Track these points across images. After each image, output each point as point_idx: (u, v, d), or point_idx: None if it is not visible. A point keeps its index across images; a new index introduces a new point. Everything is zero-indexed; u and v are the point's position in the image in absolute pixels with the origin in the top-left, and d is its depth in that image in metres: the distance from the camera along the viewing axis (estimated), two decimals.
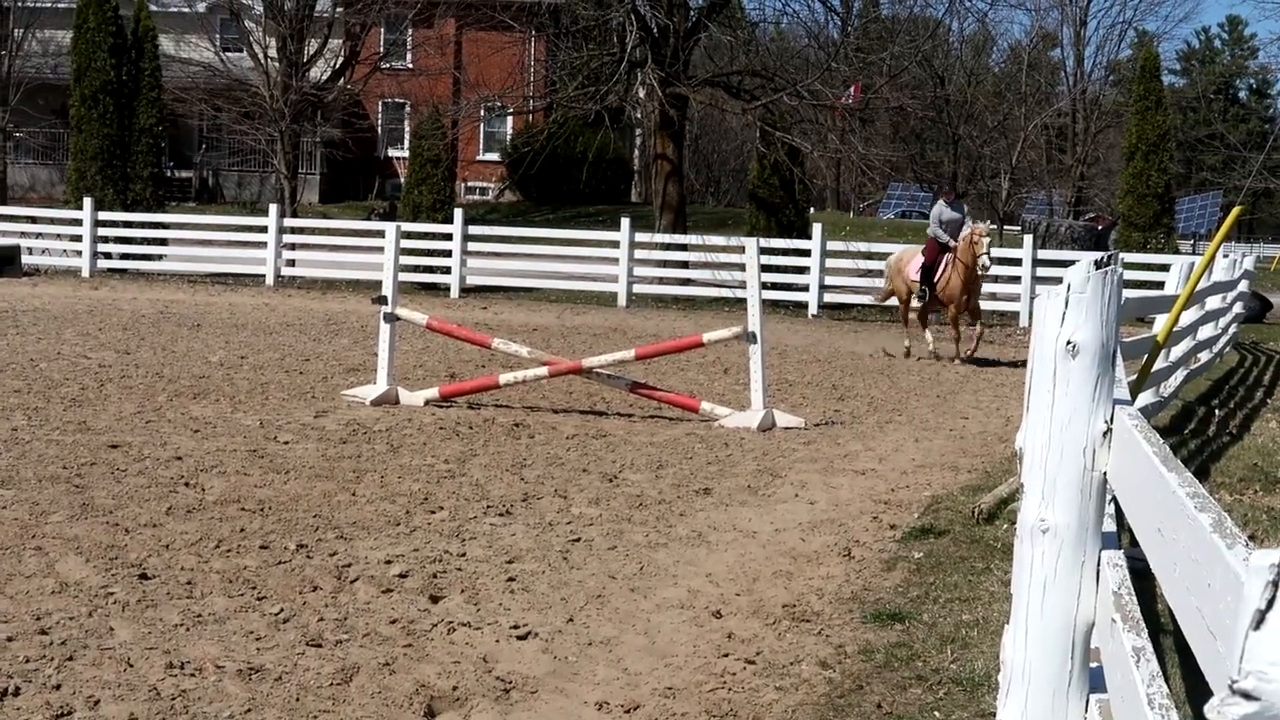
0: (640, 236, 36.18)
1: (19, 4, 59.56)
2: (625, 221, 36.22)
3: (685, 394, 17.07)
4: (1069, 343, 4.25)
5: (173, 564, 9.00)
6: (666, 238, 38.04)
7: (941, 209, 25.09)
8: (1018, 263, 34.19)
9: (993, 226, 25.27)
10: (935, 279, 24.11)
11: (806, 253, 34.75)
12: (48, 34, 59.36)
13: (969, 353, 24.44)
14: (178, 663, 7.15)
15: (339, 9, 53.57)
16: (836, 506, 11.79)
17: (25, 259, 37.19)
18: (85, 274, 37.18)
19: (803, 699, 7.04)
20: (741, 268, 18.23)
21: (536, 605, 8.47)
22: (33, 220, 40.67)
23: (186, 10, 59.28)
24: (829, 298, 34.65)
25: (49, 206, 44.97)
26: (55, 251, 38.87)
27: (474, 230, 36.81)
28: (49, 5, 59.25)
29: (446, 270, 35.88)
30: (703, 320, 27.96)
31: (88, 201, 38.74)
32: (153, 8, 48.85)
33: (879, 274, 35.14)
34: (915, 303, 25.07)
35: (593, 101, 43.63)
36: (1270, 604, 1.34)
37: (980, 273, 23.79)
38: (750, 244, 17.24)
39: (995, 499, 11.14)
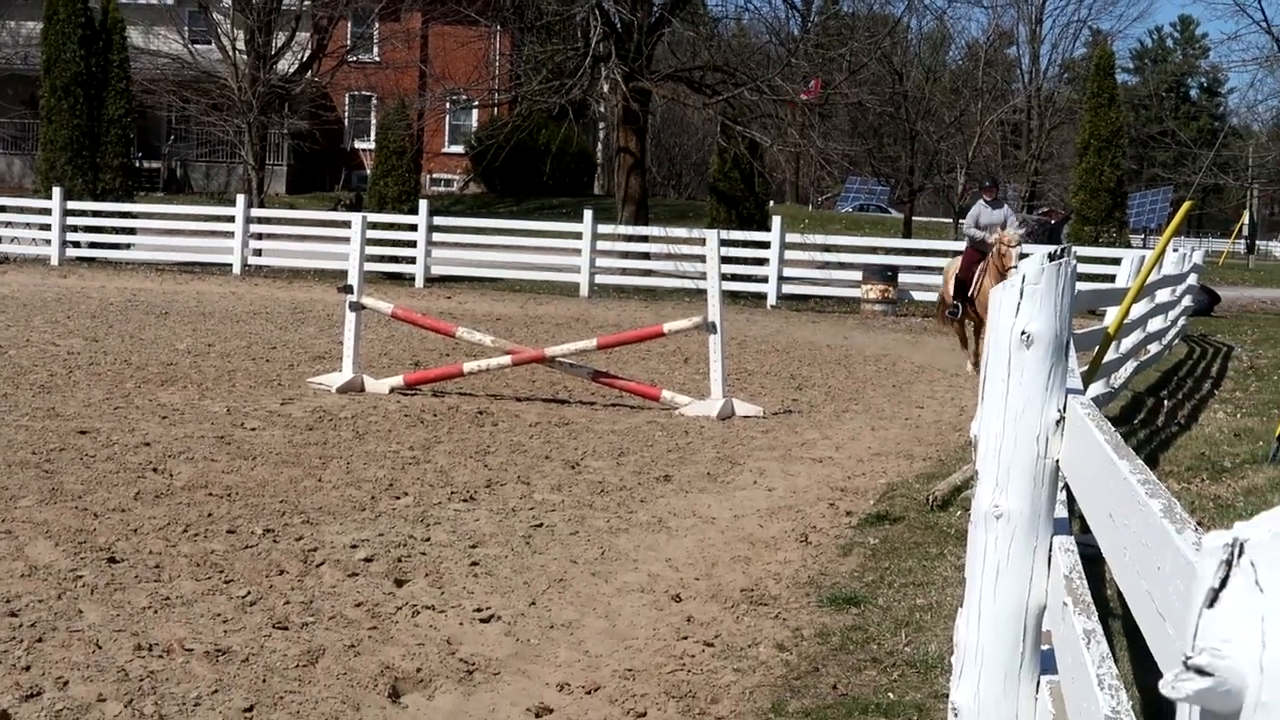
0: (603, 228, 36.21)
1: None
2: (588, 213, 36.23)
3: (646, 383, 17.09)
4: (1023, 333, 4.27)
5: (141, 548, 8.99)
6: (629, 229, 38.10)
7: (980, 209, 21.35)
8: None
9: (1022, 231, 21.11)
10: (970, 292, 20.48)
11: (766, 245, 34.74)
12: (17, 24, 59.04)
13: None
14: (146, 644, 7.15)
15: (306, 2, 53.34)
16: (794, 493, 11.83)
17: None
18: (54, 262, 37.02)
19: (760, 680, 7.07)
20: (702, 259, 18.31)
21: (499, 589, 8.49)
22: (2, 209, 40.46)
23: (155, 2, 58.99)
24: (788, 289, 34.65)
25: (18, 196, 44.69)
26: (24, 240, 38.70)
27: (439, 221, 36.77)
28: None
29: (411, 260, 35.85)
30: (664, 310, 27.95)
31: (57, 191, 38.60)
32: (121, 1, 48.72)
33: (836, 266, 35.31)
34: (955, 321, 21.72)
35: (557, 95, 43.61)
36: (1224, 583, 1.36)
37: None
38: (711, 236, 17.25)
39: (949, 486, 11.19)
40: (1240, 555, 1.36)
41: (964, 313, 20.68)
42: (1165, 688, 1.40)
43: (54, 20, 43.99)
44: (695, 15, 47.86)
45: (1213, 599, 1.37)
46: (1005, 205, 21.15)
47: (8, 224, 39.10)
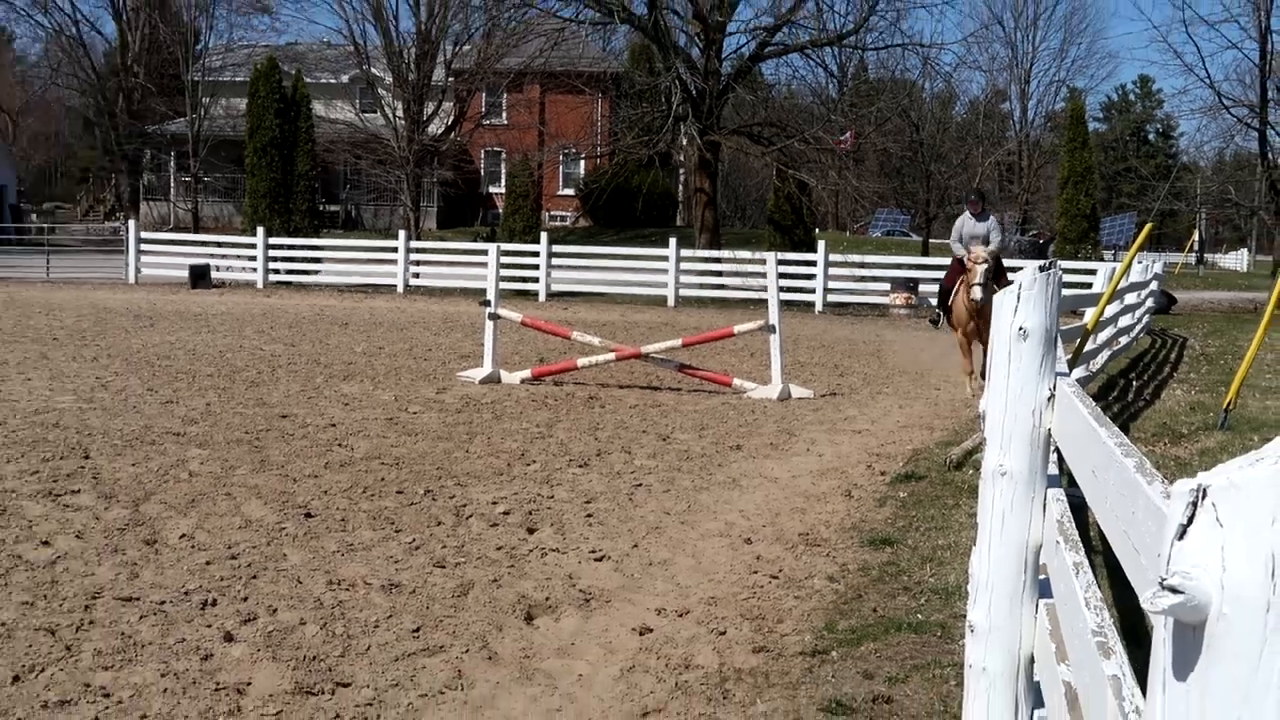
0: (684, 252, 36.11)
1: (206, 79, 59.98)
2: (672, 241, 36.25)
3: (721, 373, 17.06)
4: (1021, 328, 4.26)
5: (330, 505, 9.09)
6: (704, 253, 37.97)
7: (964, 221, 17.12)
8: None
9: (992, 248, 16.26)
10: (949, 303, 16.92)
11: (813, 263, 34.54)
12: (228, 101, 59.68)
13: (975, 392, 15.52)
14: (336, 580, 7.24)
15: (451, 79, 53.64)
16: (839, 458, 11.79)
17: (214, 274, 37.49)
18: (259, 285, 37.40)
19: (815, 605, 7.06)
20: (763, 275, 18.21)
21: (609, 535, 8.52)
22: (219, 245, 40.97)
23: (333, 81, 59.50)
24: (831, 298, 34.47)
25: (230, 234, 45.25)
26: (236, 269, 39.12)
27: (556, 249, 36.80)
28: (229, 79, 59.59)
29: (535, 280, 35.88)
30: (733, 316, 27.86)
31: (260, 230, 38.98)
32: (307, 79, 49.16)
33: (869, 279, 35.10)
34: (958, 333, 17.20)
35: (646, 148, 43.75)
36: (1190, 520, 1.35)
37: (968, 304, 15.74)
38: (770, 257, 17.20)
39: (963, 451, 11.12)
40: (1204, 498, 1.35)
41: (948, 322, 17.20)
42: (1146, 604, 1.40)
43: (256, 97, 44.55)
44: (754, 82, 47.75)
45: (1181, 533, 1.37)
46: (990, 218, 17.16)
47: (224, 256, 39.56)
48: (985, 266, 15.51)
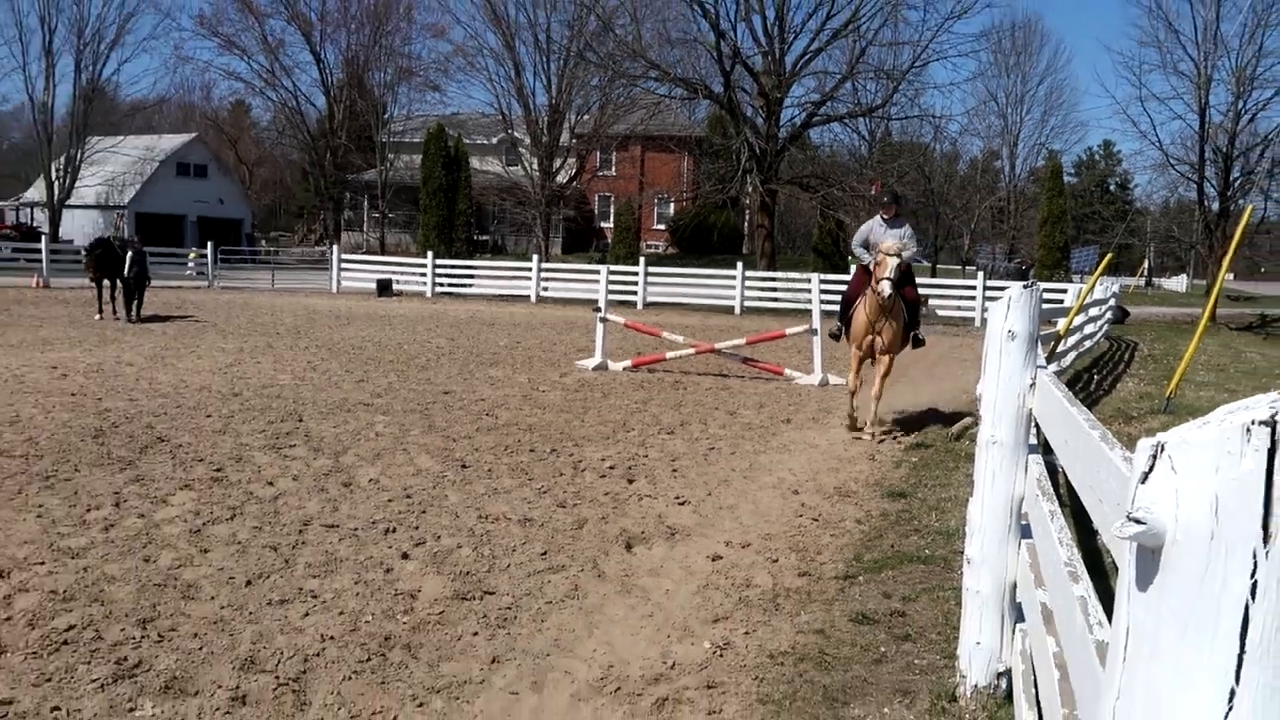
0: (748, 272, 35.89)
1: (391, 140, 60.81)
2: (739, 264, 36.00)
3: (775, 364, 16.98)
4: (1009, 331, 4.22)
5: (480, 460, 9.17)
6: (763, 274, 37.78)
7: (874, 227, 11.68)
8: (973, 287, 33.34)
9: (909, 250, 11.19)
10: (849, 314, 11.68)
11: (847, 283, 34.24)
12: (407, 157, 60.49)
13: (870, 421, 11.17)
14: (484, 515, 7.30)
15: (573, 141, 53.93)
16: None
17: (395, 286, 37.97)
18: (428, 295, 37.81)
19: (846, 541, 7.00)
20: (809, 291, 18.08)
21: (689, 486, 8.52)
22: (399, 264, 41.45)
23: (485, 142, 60.00)
24: None
25: (407, 257, 45.80)
26: (411, 282, 39.61)
27: (651, 269, 36.73)
28: (408, 140, 60.39)
29: (634, 292, 35.91)
30: (785, 322, 27.65)
31: (429, 254, 39.42)
32: (466, 141, 49.78)
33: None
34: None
35: (720, 194, 43.80)
36: (1151, 469, 1.33)
37: (879, 300, 10.90)
38: (814, 278, 17.13)
39: (962, 427, 10.97)
40: (1162, 452, 1.33)
41: (848, 333, 11.61)
42: (1115, 533, 1.37)
43: (428, 154, 45.18)
44: (804, 144, 47.50)
45: (1144, 478, 1.34)
46: (905, 225, 11.57)
47: (402, 273, 40.03)
48: (897, 261, 10.64)
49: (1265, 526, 1.24)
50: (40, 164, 57.94)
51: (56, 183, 56.07)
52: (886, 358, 11.18)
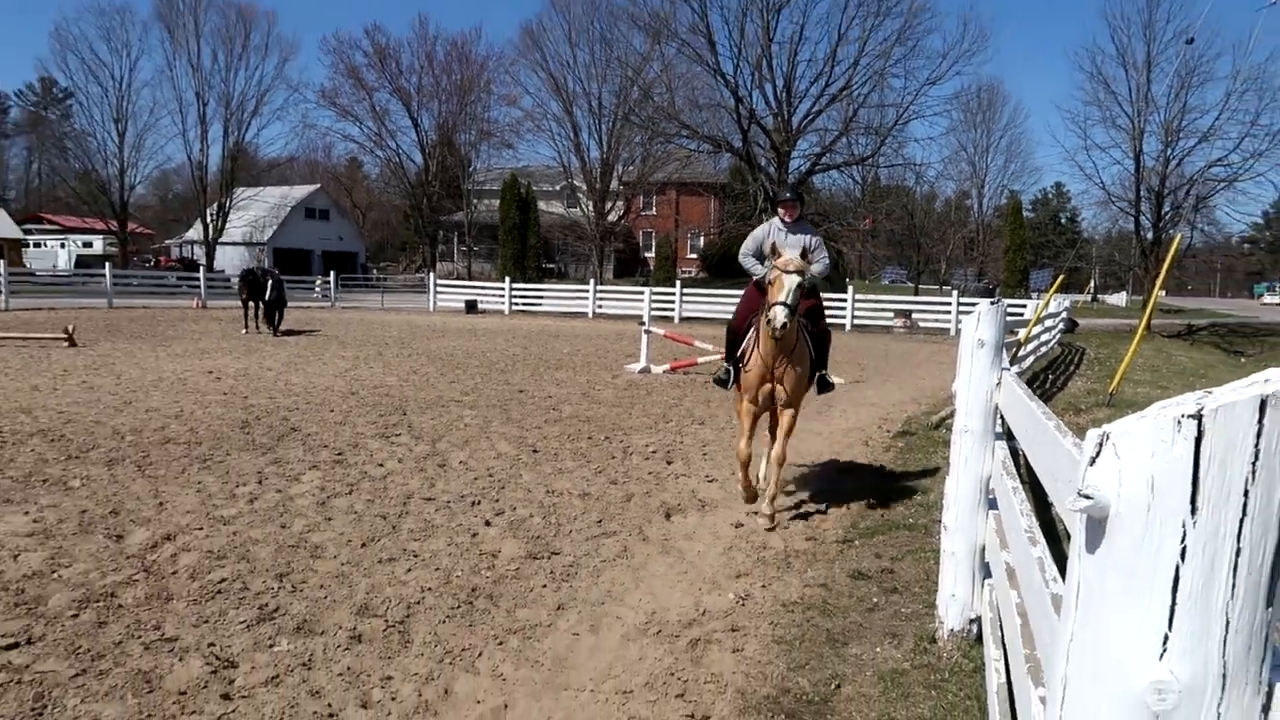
0: None
1: (474, 188, 61.17)
2: None
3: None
4: (979, 339, 4.17)
5: (548, 446, 9.18)
6: None
7: (771, 230, 6.67)
8: (949, 303, 32.85)
9: (818, 264, 6.37)
10: (740, 351, 6.52)
11: (845, 300, 33.95)
12: (486, 202, 60.85)
13: (769, 498, 6.39)
14: (551, 490, 7.30)
15: (621, 187, 54.00)
16: (860, 421, 11.56)
17: (479, 305, 38.16)
18: (505, 312, 37.95)
19: (845, 511, 6.94)
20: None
21: (717, 466, 8.47)
22: (482, 287, 41.65)
23: (550, 189, 60.22)
24: (856, 321, 33.74)
25: (489, 281, 46.04)
26: (492, 302, 39.79)
27: (685, 291, 36.59)
28: (488, 188, 60.74)
29: (672, 309, 35.77)
30: None
31: (506, 279, 39.56)
32: (535, 188, 49.95)
33: (881, 310, 34.23)
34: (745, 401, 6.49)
35: (741, 229, 43.48)
36: (1098, 453, 1.31)
37: (771, 334, 5.91)
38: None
39: (940, 418, 10.85)
40: (1108, 440, 1.31)
41: (738, 381, 6.55)
42: (1068, 506, 1.35)
43: (504, 199, 45.50)
44: (808, 188, 47.30)
45: (1093, 461, 1.32)
46: (810, 232, 6.71)
47: (485, 294, 40.19)
48: (797, 280, 5.97)
49: (1193, 501, 1.23)
50: (198, 210, 59.21)
51: (211, 224, 57.27)
52: (789, 412, 6.47)
